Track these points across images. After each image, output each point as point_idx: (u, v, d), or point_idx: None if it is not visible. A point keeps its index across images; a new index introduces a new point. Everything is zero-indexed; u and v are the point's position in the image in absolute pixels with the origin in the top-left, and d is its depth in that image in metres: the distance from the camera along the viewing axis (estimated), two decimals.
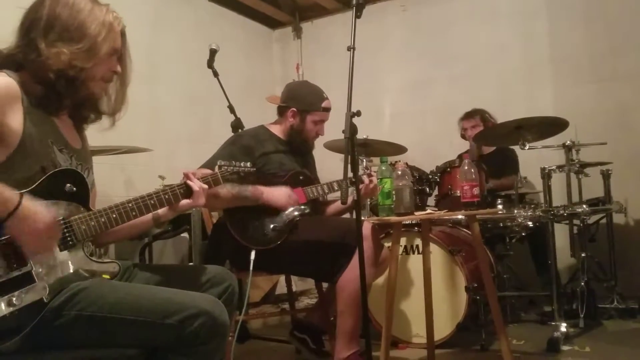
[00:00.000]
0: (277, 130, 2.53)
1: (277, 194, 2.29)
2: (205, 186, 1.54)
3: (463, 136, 3.94)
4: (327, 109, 2.51)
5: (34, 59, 1.32)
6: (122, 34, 1.46)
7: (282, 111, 2.54)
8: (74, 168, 1.39)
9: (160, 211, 1.52)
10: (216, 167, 1.60)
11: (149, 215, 1.51)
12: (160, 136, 3.83)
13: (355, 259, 2.08)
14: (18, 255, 1.20)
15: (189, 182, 1.52)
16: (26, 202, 1.20)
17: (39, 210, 1.22)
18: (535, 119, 2.65)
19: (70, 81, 1.35)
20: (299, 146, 2.53)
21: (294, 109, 2.48)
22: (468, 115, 3.86)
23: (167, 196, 1.47)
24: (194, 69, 3.76)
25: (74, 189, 1.34)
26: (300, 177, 2.45)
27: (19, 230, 1.19)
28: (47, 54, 1.31)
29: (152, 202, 1.44)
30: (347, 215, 2.81)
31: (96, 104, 1.47)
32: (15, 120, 1.27)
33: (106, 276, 1.37)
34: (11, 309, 1.16)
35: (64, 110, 1.43)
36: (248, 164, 1.63)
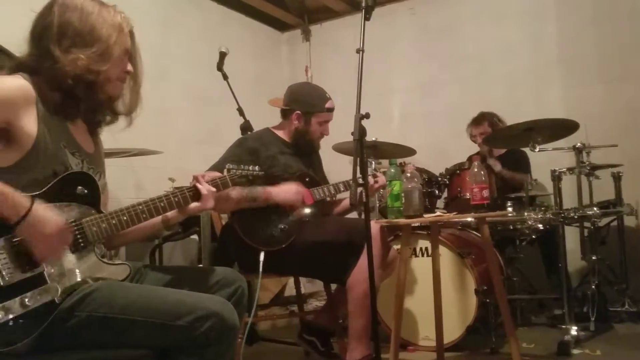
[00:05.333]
0: (282, 133, 2.54)
1: (286, 190, 2.30)
2: (214, 189, 1.54)
3: (473, 141, 3.85)
4: (331, 109, 2.51)
5: (49, 66, 1.32)
6: (131, 35, 1.47)
7: (285, 114, 2.54)
8: (85, 171, 1.40)
9: (170, 214, 1.52)
10: (225, 171, 1.61)
11: (158, 218, 1.51)
12: (170, 138, 3.85)
13: (363, 257, 2.08)
14: (30, 256, 1.21)
15: (197, 185, 1.52)
16: (37, 206, 1.20)
17: (50, 215, 1.22)
18: (545, 121, 2.63)
19: (88, 85, 1.37)
20: (304, 148, 2.53)
21: (298, 111, 2.48)
22: (476, 122, 3.75)
23: (176, 199, 1.48)
24: (203, 71, 3.78)
25: (85, 191, 1.35)
26: (307, 179, 2.45)
27: (29, 234, 1.19)
28: (64, 61, 1.32)
29: (162, 204, 1.45)
30: (355, 216, 2.81)
31: (113, 105, 1.47)
32: (30, 122, 1.28)
33: (118, 277, 1.38)
34: (24, 309, 1.17)
35: (80, 115, 1.44)
36: (256, 168, 1.64)
